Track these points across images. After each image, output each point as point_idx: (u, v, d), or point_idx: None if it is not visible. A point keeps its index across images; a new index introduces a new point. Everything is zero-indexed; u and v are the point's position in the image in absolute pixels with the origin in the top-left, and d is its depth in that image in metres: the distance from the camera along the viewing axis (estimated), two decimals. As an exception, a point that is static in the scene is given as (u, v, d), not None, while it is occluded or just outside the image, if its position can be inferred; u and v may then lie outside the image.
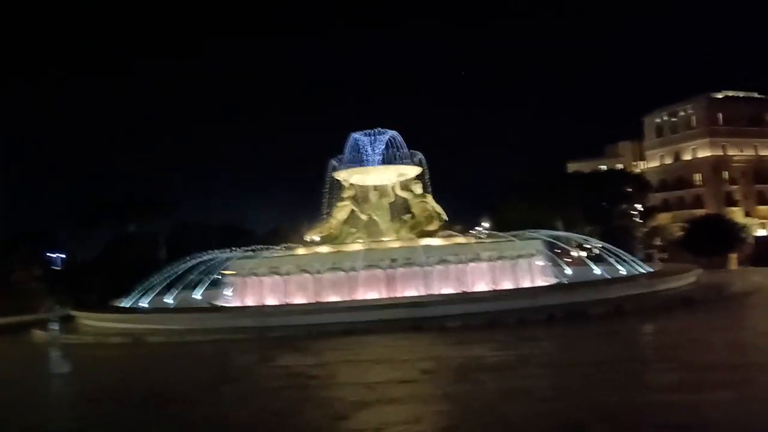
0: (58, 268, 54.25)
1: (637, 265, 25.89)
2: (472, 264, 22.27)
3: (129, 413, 8.37)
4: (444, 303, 18.40)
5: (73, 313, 24.43)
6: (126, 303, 24.57)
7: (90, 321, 22.31)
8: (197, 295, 27.42)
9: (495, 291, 21.26)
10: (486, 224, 62.96)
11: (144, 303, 24.26)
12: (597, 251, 31.76)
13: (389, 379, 9.44)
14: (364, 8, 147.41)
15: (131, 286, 25.49)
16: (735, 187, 76.68)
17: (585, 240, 29.49)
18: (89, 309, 24.59)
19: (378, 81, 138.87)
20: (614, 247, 26.61)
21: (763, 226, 70.66)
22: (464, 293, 20.86)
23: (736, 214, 66.46)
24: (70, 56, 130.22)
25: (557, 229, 40.68)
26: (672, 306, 17.64)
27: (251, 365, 11.93)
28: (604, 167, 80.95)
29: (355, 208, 27.11)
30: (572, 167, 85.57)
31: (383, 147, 28.53)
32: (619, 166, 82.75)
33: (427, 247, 22.62)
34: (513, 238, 24.26)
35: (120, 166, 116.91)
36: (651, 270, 25.05)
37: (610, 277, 23.65)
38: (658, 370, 9.15)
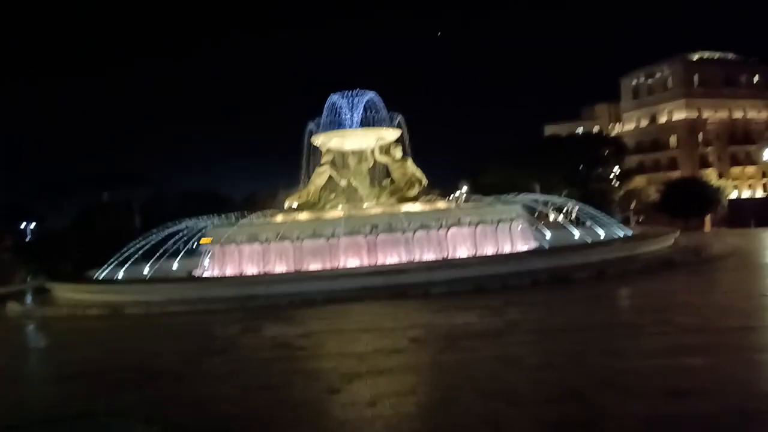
0: (29, 238, 53.20)
1: (617, 228, 26.01)
2: (453, 229, 22.13)
3: (112, 391, 8.06)
4: (427, 269, 18.27)
5: (48, 284, 23.87)
6: (101, 274, 24.05)
7: (65, 293, 21.79)
8: (174, 264, 26.94)
9: (479, 257, 21.19)
10: (465, 188, 63.04)
11: (120, 273, 23.76)
12: (575, 215, 31.96)
13: (378, 349, 9.26)
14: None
15: (106, 256, 24.91)
16: (709, 148, 77.63)
17: (565, 203, 29.50)
18: (64, 280, 24.04)
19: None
20: (594, 210, 26.66)
21: (736, 187, 71.79)
22: (448, 259, 20.76)
23: (711, 175, 67.45)
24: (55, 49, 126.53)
25: (535, 193, 40.85)
26: (653, 269, 17.74)
27: (235, 336, 11.64)
28: (581, 130, 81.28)
29: (333, 174, 26.64)
30: (549, 130, 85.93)
31: (362, 109, 27.99)
32: (596, 128, 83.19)
33: (408, 213, 22.39)
34: (494, 202, 24.14)
35: (98, 143, 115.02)
36: (630, 233, 25.19)
37: (591, 240, 23.74)
38: (650, 334, 9.05)
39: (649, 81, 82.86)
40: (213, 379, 8.29)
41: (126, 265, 23.88)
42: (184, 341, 11.73)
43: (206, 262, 25.06)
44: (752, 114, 79.87)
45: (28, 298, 22.63)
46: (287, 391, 7.41)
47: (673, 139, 79.31)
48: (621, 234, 24.95)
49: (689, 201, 40.42)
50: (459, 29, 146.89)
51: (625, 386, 6.56)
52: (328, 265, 21.09)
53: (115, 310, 17.04)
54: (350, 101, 27.92)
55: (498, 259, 20.28)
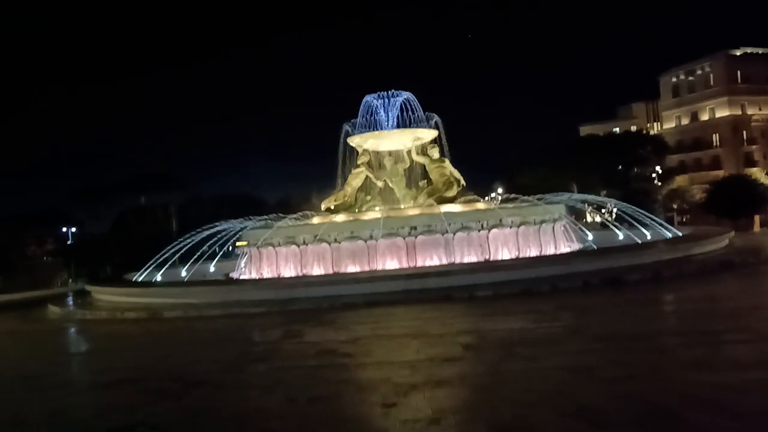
0: (70, 242, 54.09)
1: (664, 228, 24.95)
2: (494, 230, 21.46)
3: (150, 401, 7.61)
4: (472, 272, 17.62)
5: (88, 287, 23.94)
6: (140, 276, 24.01)
7: (104, 295, 21.78)
8: (211, 267, 26.82)
9: (525, 258, 20.48)
10: (500, 190, 61.97)
11: (158, 276, 23.70)
12: (616, 215, 30.93)
13: (431, 357, 8.64)
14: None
15: (144, 259, 24.89)
16: (754, 147, 74.90)
17: (610, 203, 28.44)
18: (103, 283, 24.11)
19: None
20: (641, 210, 25.63)
21: (783, 186, 69.07)
22: (493, 261, 20.11)
23: (756, 174, 65.00)
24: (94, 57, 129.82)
25: (574, 193, 39.73)
26: (711, 270, 16.81)
27: (277, 341, 11.17)
28: (617, 129, 79.37)
29: (370, 175, 26.21)
30: (585, 130, 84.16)
31: (397, 110, 27.53)
32: (633, 128, 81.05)
33: (448, 213, 21.77)
34: (538, 202, 23.35)
35: (136, 149, 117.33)
36: (680, 234, 24.12)
37: (641, 241, 22.78)
38: (731, 343, 8.23)
39: (690, 78, 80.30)
40: (255, 390, 7.78)
41: (164, 268, 23.80)
42: (224, 347, 11.29)
43: (242, 264, 24.88)
44: (799, 110, 76.87)
45: (69, 301, 22.68)
46: (337, 404, 6.85)
47: (715, 138, 76.65)
48: (669, 234, 23.93)
49: (737, 200, 38.76)
50: (491, 27, 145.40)
51: (719, 403, 5.83)
52: (366, 268, 20.66)
53: (154, 314, 16.82)
54: (386, 102, 27.51)
55: (545, 260, 19.52)
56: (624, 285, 15.05)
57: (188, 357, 10.52)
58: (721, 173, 65.34)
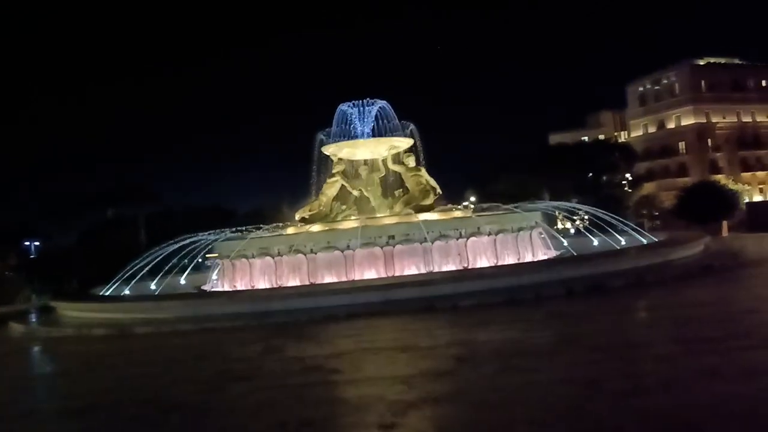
0: (33, 257, 52.32)
1: (639, 234, 24.99)
2: (473, 238, 21.23)
3: (125, 428, 7.01)
4: (454, 280, 17.25)
5: (53, 303, 22.94)
6: (107, 291, 23.11)
7: (71, 311, 20.82)
8: (182, 280, 26.02)
9: (508, 265, 20.25)
10: (472, 198, 62.07)
11: (126, 290, 22.84)
12: (588, 221, 31.05)
13: (423, 371, 8.18)
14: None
15: (112, 272, 23.99)
16: (719, 153, 76.61)
17: (584, 210, 28.46)
18: (69, 298, 23.09)
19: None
20: (616, 216, 25.66)
21: (748, 192, 70.56)
22: (476, 269, 19.82)
23: (721, 181, 66.32)
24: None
25: (547, 200, 39.85)
26: (693, 275, 16.74)
27: (257, 358, 10.54)
28: (586, 138, 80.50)
29: (345, 184, 25.81)
30: (554, 139, 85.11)
31: (372, 118, 27.24)
32: (601, 136, 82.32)
33: (427, 221, 21.45)
34: (515, 210, 23.20)
35: (99, 162, 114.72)
36: (655, 239, 24.17)
37: (617, 247, 22.75)
38: (737, 350, 7.86)
39: (656, 87, 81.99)
40: (240, 413, 7.19)
41: (133, 282, 22.96)
42: (201, 365, 10.65)
43: (214, 276, 24.18)
44: (761, 118, 78.85)
45: (32, 318, 21.65)
46: (333, 425, 6.35)
47: (682, 145, 78.26)
48: (644, 240, 23.96)
49: (707, 205, 39.33)
50: (462, 34, 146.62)
51: (744, 415, 5.49)
52: (343, 278, 20.20)
53: (123, 330, 16.05)
54: (361, 110, 27.19)
55: (527, 267, 19.28)
56: (608, 291, 14.84)
57: (163, 377, 9.85)
58: (688, 180, 66.61)
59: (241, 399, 7.78)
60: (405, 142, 25.98)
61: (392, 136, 26.27)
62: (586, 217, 32.96)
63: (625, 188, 60.08)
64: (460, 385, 7.50)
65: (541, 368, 7.80)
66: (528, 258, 21.96)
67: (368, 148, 26.42)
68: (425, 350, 9.72)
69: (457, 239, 21.13)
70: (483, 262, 20.94)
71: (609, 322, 11.09)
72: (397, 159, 25.77)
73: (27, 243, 58.10)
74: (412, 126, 26.92)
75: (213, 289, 23.15)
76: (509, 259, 21.42)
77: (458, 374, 8.04)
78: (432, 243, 20.51)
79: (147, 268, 23.50)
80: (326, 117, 27.05)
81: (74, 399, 8.95)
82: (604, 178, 62.05)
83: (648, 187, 68.03)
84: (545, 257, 22.59)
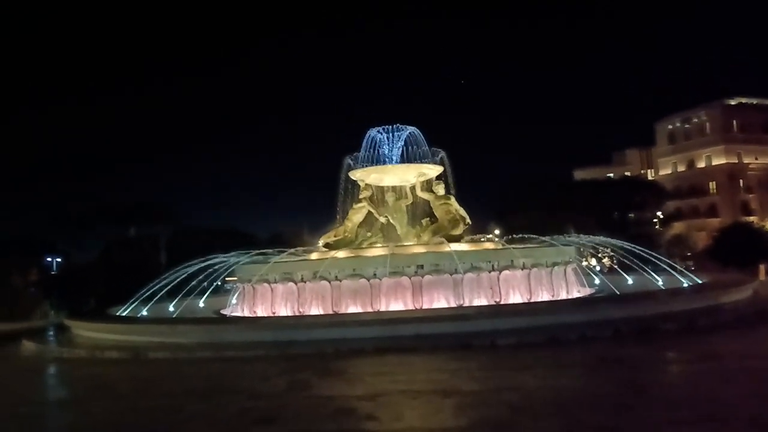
0: (54, 273, 52.06)
1: (681, 274, 23.66)
2: (506, 272, 20.16)
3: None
4: (491, 316, 16.17)
5: (67, 321, 22.22)
6: (124, 311, 22.35)
7: (85, 331, 20.05)
8: (201, 303, 25.21)
9: (548, 302, 19.19)
10: (496, 231, 60.92)
11: (143, 311, 22.06)
12: (617, 260, 29.78)
13: (476, 422, 7.14)
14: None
15: (130, 292, 23.27)
16: (751, 195, 74.73)
17: (625, 246, 27.22)
18: (83, 317, 22.34)
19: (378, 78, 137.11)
20: (658, 255, 24.41)
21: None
22: (513, 304, 18.76)
23: (755, 222, 64.47)
24: (80, 68, 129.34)
25: (577, 235, 38.59)
26: (747, 321, 15.50)
27: (282, 394, 9.54)
28: (611, 175, 79.19)
29: (372, 210, 24.97)
30: (579, 175, 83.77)
31: (402, 144, 26.54)
32: (627, 173, 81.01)
33: (458, 252, 20.45)
34: (553, 243, 22.12)
35: (122, 175, 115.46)
36: (699, 281, 22.85)
37: (663, 287, 21.50)
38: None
39: (686, 126, 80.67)
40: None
41: (150, 303, 22.18)
42: (220, 400, 9.65)
43: (234, 300, 23.36)
44: (795, 160, 77.08)
45: (46, 336, 20.91)
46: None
47: (712, 185, 76.56)
48: (684, 282, 22.66)
49: (743, 248, 37.83)
50: (487, 66, 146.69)
51: None
52: (368, 308, 19.25)
53: (137, 354, 15.19)
54: (390, 136, 26.53)
55: (569, 305, 18.19)
56: (659, 335, 13.68)
57: (177, 414, 8.85)
58: (718, 221, 64.88)
59: (266, 447, 6.77)
60: (435, 170, 25.15)
61: (422, 162, 25.46)
62: (613, 254, 31.60)
63: (656, 227, 58.52)
64: (521, 442, 6.44)
65: (622, 427, 6.65)
66: (563, 295, 20.83)
67: (396, 174, 25.63)
68: (471, 395, 8.65)
69: (490, 272, 20.10)
70: (516, 297, 19.86)
71: (675, 371, 9.97)
72: (426, 186, 24.91)
73: (49, 259, 58.04)
74: (442, 153, 26.17)
75: (232, 314, 22.28)
76: (543, 295, 20.32)
77: (519, 428, 6.95)
78: (463, 275, 19.50)
79: (166, 290, 22.73)
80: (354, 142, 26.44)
81: (77, 432, 8.03)
82: (631, 215, 60.68)
83: (677, 227, 66.36)
84: (580, 295, 21.44)
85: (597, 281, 25.56)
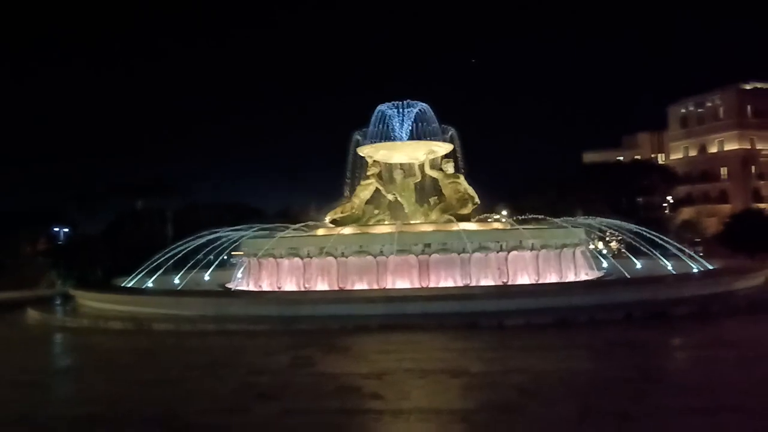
0: (61, 243, 52.23)
1: (690, 260, 23.30)
2: (514, 252, 19.87)
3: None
4: (499, 296, 15.94)
5: (72, 291, 22.19)
6: (130, 282, 22.28)
7: (89, 301, 19.99)
8: (206, 276, 25.12)
9: (558, 283, 18.92)
10: (504, 212, 60.57)
11: (149, 283, 21.99)
12: (626, 243, 29.47)
13: (484, 404, 6.91)
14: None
15: (136, 264, 23.17)
16: (762, 182, 73.83)
17: (636, 230, 26.81)
18: (88, 288, 22.29)
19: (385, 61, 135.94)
20: (670, 240, 24.03)
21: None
22: (522, 285, 18.52)
23: (766, 210, 63.78)
24: (92, 42, 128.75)
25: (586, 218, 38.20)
26: (761, 307, 15.16)
27: (285, 370, 9.35)
28: (621, 158, 78.41)
29: (380, 187, 24.63)
30: (588, 158, 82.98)
31: (411, 121, 26.08)
32: (637, 157, 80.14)
33: (467, 231, 20.15)
34: (563, 224, 21.78)
35: (132, 150, 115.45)
36: (710, 266, 22.50)
37: (673, 271, 21.18)
38: None
39: (699, 110, 79.45)
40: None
41: (156, 275, 22.08)
42: (223, 374, 9.49)
43: (239, 275, 23.24)
44: (810, 147, 75.94)
45: (51, 305, 20.89)
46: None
47: (724, 171, 75.63)
48: (694, 267, 22.31)
49: (756, 234, 37.30)
50: (495, 51, 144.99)
51: None
52: (374, 285, 19.04)
53: (141, 325, 15.09)
54: (400, 112, 26.05)
55: (579, 287, 17.91)
56: (672, 320, 13.39)
57: (178, 387, 8.69)
58: (729, 207, 64.17)
59: (267, 425, 6.55)
60: (444, 147, 24.68)
61: (431, 139, 24.99)
62: (621, 238, 31.22)
63: (666, 211, 57.93)
64: (533, 426, 6.20)
65: (635, 416, 6.41)
66: (570, 277, 20.55)
67: (405, 151, 25.20)
68: (479, 376, 8.43)
69: (498, 252, 19.80)
70: (524, 279, 19.59)
71: (688, 357, 9.70)
72: (435, 164, 24.50)
73: (56, 229, 58.25)
74: (452, 131, 25.64)
75: (237, 288, 22.17)
76: (551, 277, 20.05)
77: (528, 412, 6.72)
78: (470, 254, 19.23)
79: (171, 262, 22.62)
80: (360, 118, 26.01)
81: (74, 406, 7.87)
82: (640, 199, 60.09)
83: (687, 212, 65.72)
84: (588, 277, 21.17)
85: (605, 264, 25.23)
